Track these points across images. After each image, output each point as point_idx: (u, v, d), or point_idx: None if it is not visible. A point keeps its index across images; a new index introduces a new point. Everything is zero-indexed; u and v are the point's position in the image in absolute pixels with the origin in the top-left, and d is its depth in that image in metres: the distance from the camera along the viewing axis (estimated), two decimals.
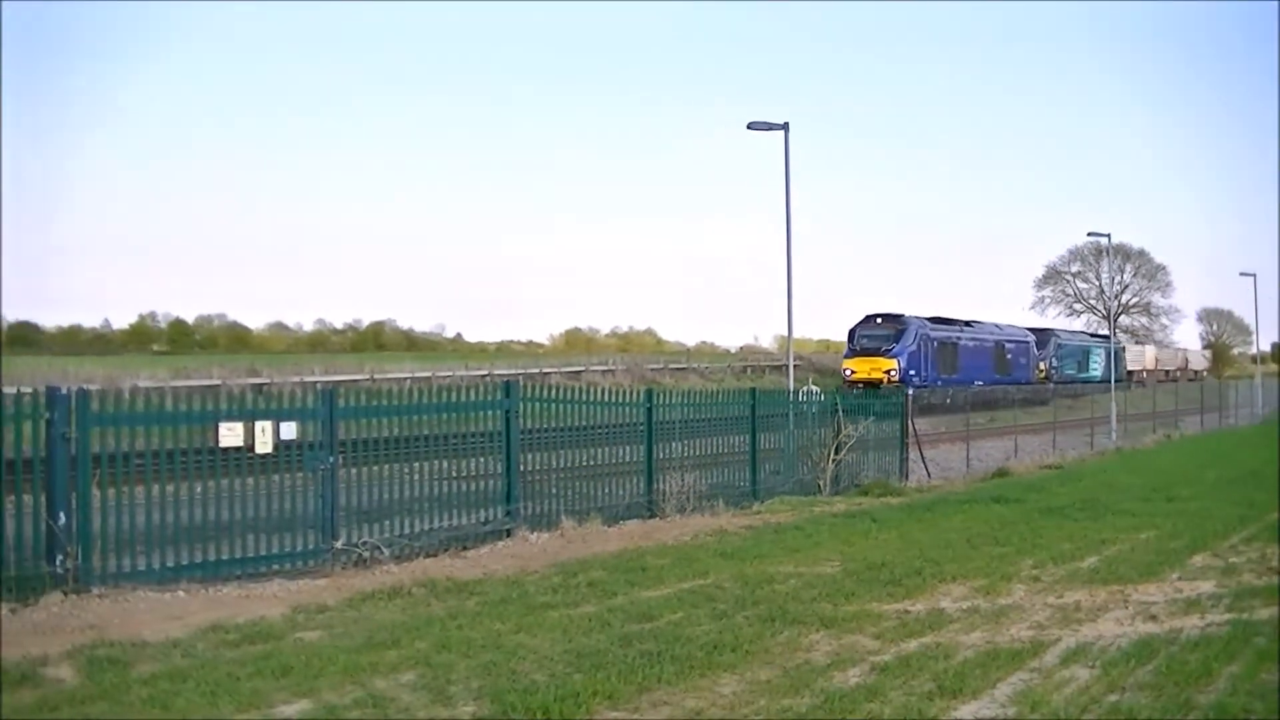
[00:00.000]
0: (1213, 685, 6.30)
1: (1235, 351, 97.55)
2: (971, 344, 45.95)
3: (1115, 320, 72.03)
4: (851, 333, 44.23)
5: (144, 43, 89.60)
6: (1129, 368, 65.68)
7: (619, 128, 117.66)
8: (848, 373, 41.62)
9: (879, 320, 43.34)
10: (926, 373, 42.02)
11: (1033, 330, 57.20)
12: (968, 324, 47.59)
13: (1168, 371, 76.93)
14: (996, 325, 51.28)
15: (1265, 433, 32.83)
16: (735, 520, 13.32)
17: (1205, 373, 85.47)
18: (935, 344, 43.57)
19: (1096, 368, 60.04)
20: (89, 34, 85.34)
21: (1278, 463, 19.15)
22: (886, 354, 41.21)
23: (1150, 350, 75.29)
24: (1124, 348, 66.48)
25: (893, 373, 40.17)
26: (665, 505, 13.65)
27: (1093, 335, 66.12)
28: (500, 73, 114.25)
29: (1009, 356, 50.39)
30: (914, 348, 42.11)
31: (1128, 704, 5.98)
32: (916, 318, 43.59)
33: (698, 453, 14.97)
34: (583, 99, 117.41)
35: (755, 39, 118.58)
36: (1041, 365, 54.08)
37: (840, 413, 17.50)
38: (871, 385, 36.55)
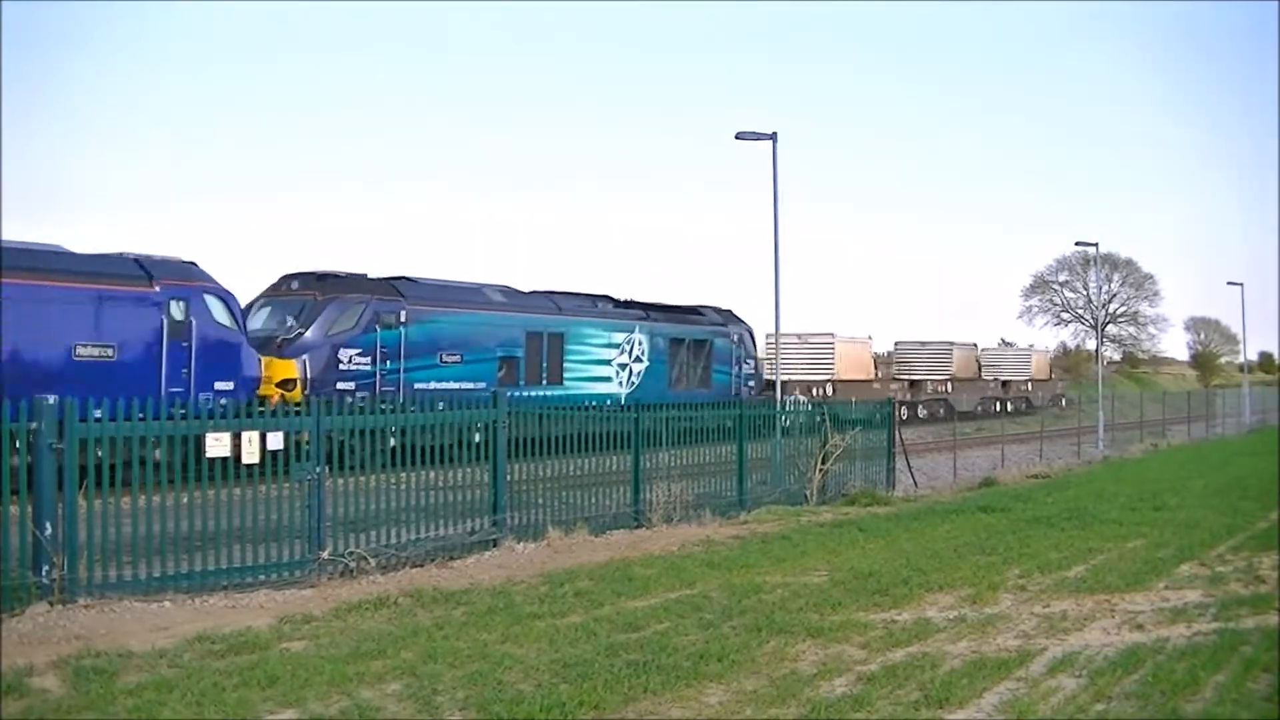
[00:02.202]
0: (1200, 694, 6.34)
1: (1223, 360, 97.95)
2: None
3: (1103, 329, 72.14)
4: None
5: (142, 42, 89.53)
6: (776, 376, 23.75)
7: (609, 132, 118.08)
8: None
9: None
10: None
11: (328, 277, 22.40)
12: None
13: (914, 383, 44.14)
14: None
15: (1253, 442, 32.99)
16: (722, 530, 13.31)
17: (1053, 390, 53.53)
18: None
19: (605, 373, 27.83)
20: (87, 33, 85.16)
21: (1278, 469, 19.21)
22: None
23: (848, 347, 40.65)
24: (742, 335, 32.17)
25: None
26: (652, 515, 13.63)
27: (619, 304, 29.58)
28: (491, 75, 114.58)
29: None
30: None
31: (1115, 713, 6.01)
32: None
33: (685, 462, 14.97)
34: (574, 101, 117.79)
35: (742, 46, 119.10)
36: (291, 365, 20.96)
37: (827, 422, 17.53)
38: None
